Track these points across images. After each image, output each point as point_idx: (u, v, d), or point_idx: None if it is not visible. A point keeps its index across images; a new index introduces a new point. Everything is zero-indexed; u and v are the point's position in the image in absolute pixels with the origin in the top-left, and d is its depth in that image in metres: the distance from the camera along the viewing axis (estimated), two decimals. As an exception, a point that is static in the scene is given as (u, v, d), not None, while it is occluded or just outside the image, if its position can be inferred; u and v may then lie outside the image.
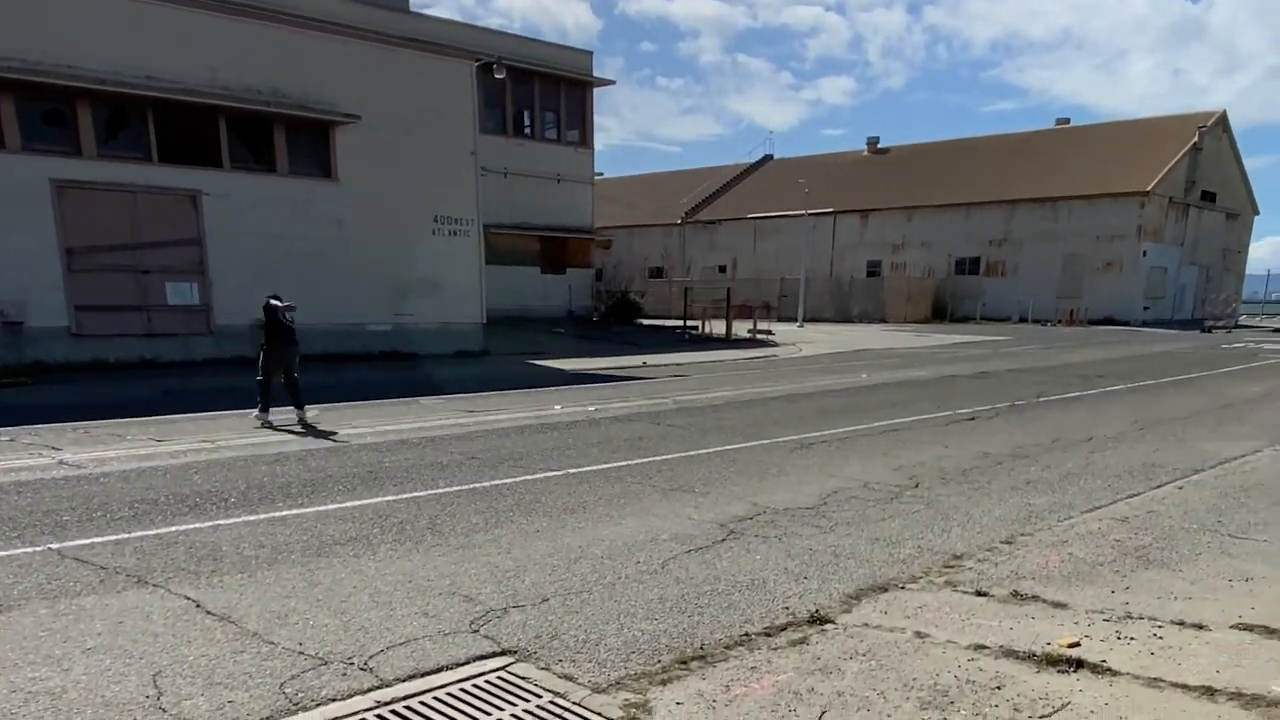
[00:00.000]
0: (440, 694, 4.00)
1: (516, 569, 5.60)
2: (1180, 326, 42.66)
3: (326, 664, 4.23)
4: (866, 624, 4.77)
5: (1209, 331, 39.07)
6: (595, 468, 8.71)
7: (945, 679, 4.04)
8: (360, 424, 11.32)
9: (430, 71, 21.39)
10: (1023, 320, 44.72)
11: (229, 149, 18.67)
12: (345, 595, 5.09)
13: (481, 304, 22.80)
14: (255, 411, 11.03)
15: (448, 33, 27.51)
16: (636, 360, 21.63)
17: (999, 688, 3.93)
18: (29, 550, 5.83)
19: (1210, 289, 49.71)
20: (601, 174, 66.68)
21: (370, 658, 4.30)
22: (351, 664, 4.23)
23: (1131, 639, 4.42)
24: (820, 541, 6.28)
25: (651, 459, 9.17)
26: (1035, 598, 5.10)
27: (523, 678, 4.16)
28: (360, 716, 3.76)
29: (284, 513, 6.86)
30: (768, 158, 66.70)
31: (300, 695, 3.92)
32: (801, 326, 40.55)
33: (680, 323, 34.02)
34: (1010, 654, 4.29)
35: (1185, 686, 3.88)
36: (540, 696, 3.97)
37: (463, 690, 4.04)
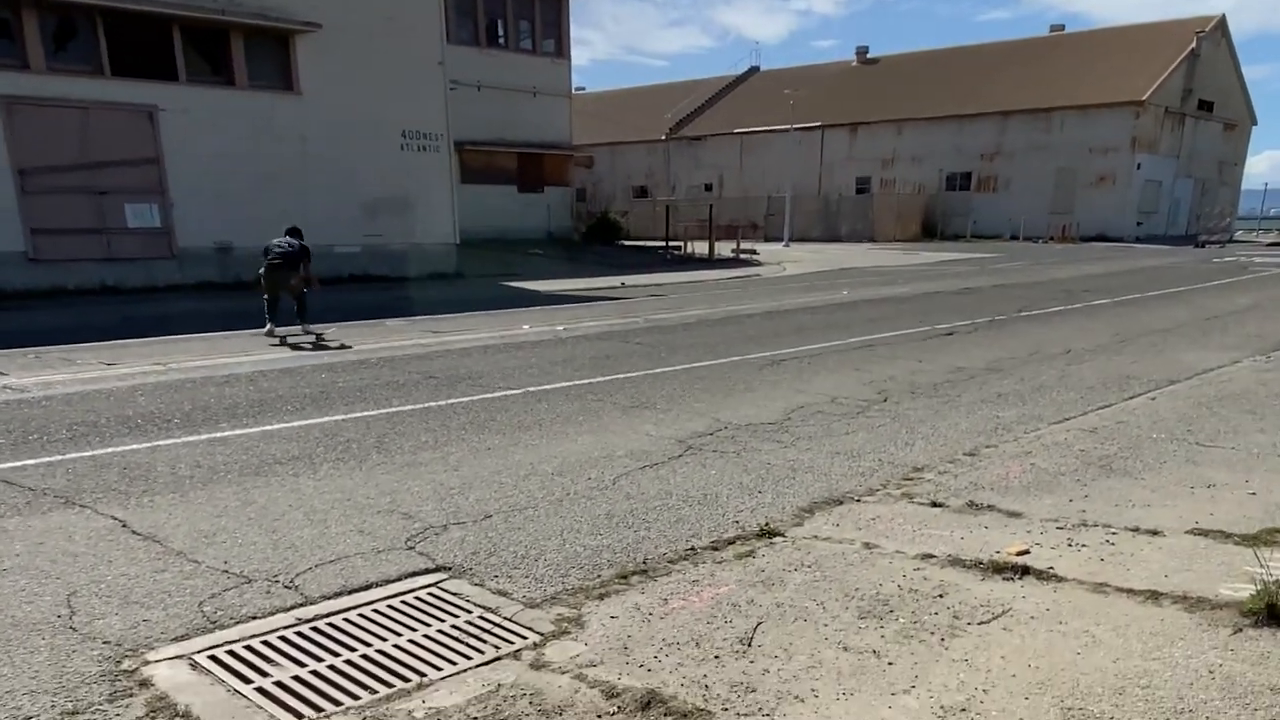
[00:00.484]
0: (365, 610, 3.86)
1: (462, 486, 5.43)
2: (1174, 242, 42.30)
3: (250, 582, 4.07)
4: (816, 536, 4.64)
5: (1202, 247, 38.69)
6: (555, 385, 8.52)
7: (888, 589, 3.91)
8: (323, 346, 11.06)
9: (394, -24, 20.43)
10: (1014, 238, 44.28)
11: (185, 61, 17.87)
12: (279, 514, 4.92)
13: (454, 224, 22.26)
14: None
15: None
16: (615, 281, 21.29)
17: (941, 595, 3.80)
18: (-44, 473, 5.63)
19: (1206, 203, 49.22)
20: (584, 89, 65.13)
21: (297, 575, 4.15)
22: (276, 582, 4.08)
23: (1083, 546, 4.30)
24: (779, 456, 6.13)
25: (615, 376, 8.97)
26: (991, 508, 4.97)
27: (454, 594, 4.02)
28: (279, 634, 3.63)
29: (226, 433, 6.65)
30: (754, 70, 65.03)
31: (219, 614, 3.77)
32: (787, 246, 40.09)
33: (663, 243, 33.53)
34: (957, 563, 4.16)
35: (1130, 591, 3.76)
36: (470, 612, 3.83)
37: (389, 607, 3.89)
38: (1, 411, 7.33)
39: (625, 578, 4.14)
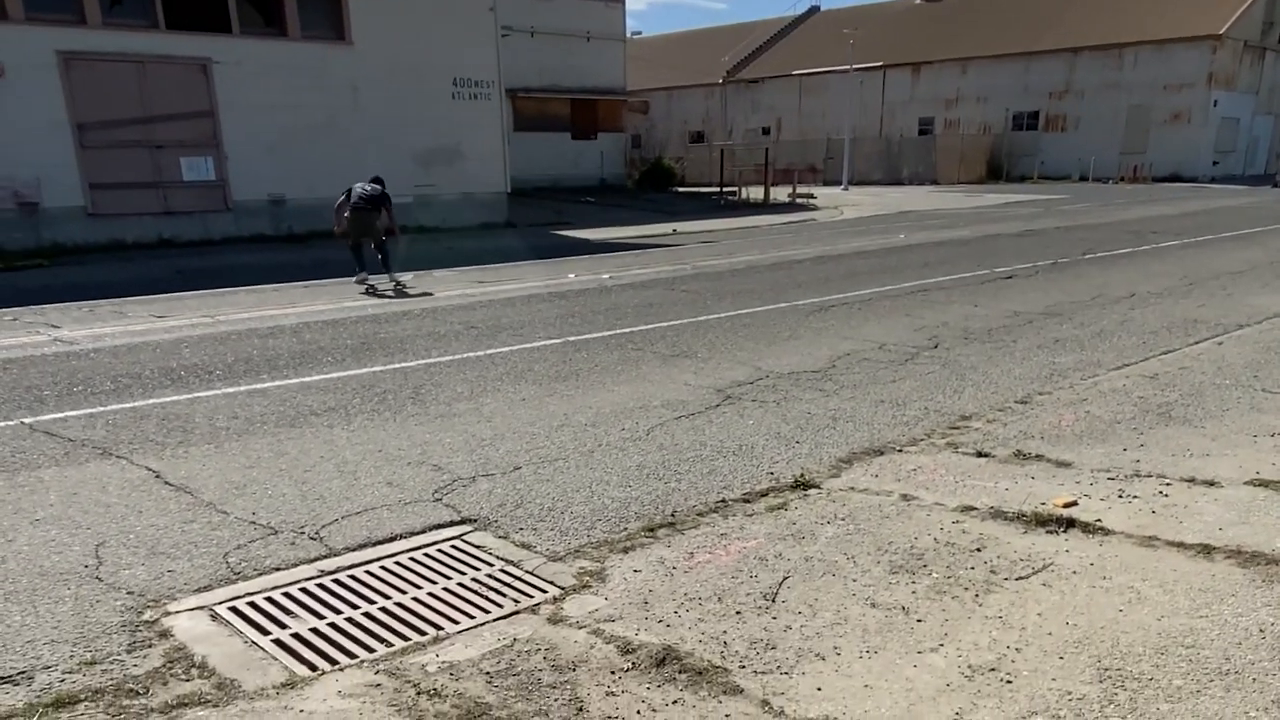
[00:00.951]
0: (388, 563, 3.83)
1: (494, 437, 5.37)
2: (1252, 182, 40.04)
3: (276, 533, 4.08)
4: (853, 488, 4.47)
5: (1280, 186, 36.66)
6: (596, 335, 8.40)
7: (923, 542, 3.74)
8: (361, 298, 11.11)
9: (444, -80, 20.10)
10: (1083, 179, 42.46)
11: (238, 12, 17.91)
12: (310, 465, 4.93)
13: (505, 173, 22.13)
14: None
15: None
16: (666, 228, 21.00)
17: (979, 549, 3.62)
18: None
19: (1286, 140, 46.56)
20: (640, 33, 64.05)
21: (323, 527, 4.14)
22: (302, 533, 4.08)
23: (1135, 497, 4.06)
24: (820, 405, 5.94)
25: (657, 325, 8.81)
26: (1039, 457, 4.73)
27: (477, 546, 3.97)
28: (301, 586, 3.62)
29: (266, 385, 6.70)
30: (814, 9, 63.02)
31: (243, 565, 3.78)
32: (846, 190, 39.09)
33: (718, 189, 32.96)
34: (998, 515, 3.96)
35: (1181, 545, 3.53)
36: (491, 565, 3.78)
37: (412, 559, 3.86)
38: (50, 364, 7.50)
39: (652, 530, 4.04)
